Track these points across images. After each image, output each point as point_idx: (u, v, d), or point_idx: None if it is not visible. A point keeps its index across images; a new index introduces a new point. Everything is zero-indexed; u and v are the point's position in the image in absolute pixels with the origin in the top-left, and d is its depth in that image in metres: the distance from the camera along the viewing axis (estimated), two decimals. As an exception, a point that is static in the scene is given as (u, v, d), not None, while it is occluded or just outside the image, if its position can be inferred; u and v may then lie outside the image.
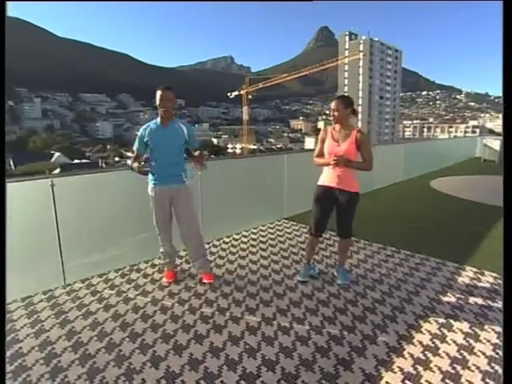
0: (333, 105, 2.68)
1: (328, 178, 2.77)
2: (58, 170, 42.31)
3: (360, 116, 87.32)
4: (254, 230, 4.30)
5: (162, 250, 2.94)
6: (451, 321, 2.31)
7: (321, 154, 2.81)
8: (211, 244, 3.79)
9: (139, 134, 2.79)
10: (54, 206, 2.79)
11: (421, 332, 2.19)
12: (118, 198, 3.28)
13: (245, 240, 3.97)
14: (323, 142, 2.79)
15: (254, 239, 4.00)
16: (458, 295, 2.67)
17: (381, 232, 4.21)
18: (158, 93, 2.64)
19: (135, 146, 2.81)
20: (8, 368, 1.89)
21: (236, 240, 3.97)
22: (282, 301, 2.61)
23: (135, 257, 3.33)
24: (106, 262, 3.16)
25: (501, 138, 12.03)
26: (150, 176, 2.79)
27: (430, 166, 9.12)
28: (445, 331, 2.20)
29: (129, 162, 2.82)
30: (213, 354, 2.00)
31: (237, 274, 3.07)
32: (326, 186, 2.78)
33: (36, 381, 1.80)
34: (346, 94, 2.91)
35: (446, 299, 2.61)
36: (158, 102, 2.66)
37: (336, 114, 2.67)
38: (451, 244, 3.83)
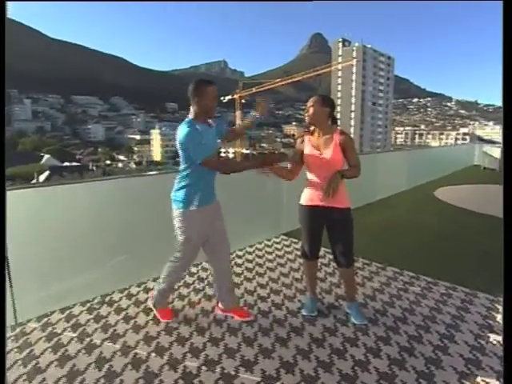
0: (308, 101, 2.23)
1: (312, 194, 2.29)
2: (46, 173, 41.28)
3: (352, 122, 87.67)
4: (250, 249, 3.76)
5: (170, 279, 2.34)
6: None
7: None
8: (200, 267, 3.25)
9: (196, 137, 2.04)
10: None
11: (470, 401, 1.69)
12: (86, 214, 2.72)
13: (239, 262, 3.43)
14: (302, 152, 2.32)
15: (250, 261, 3.47)
16: (499, 338, 2.17)
17: (392, 252, 3.72)
18: (210, 88, 2.10)
19: (202, 155, 2.05)
20: None
21: (229, 261, 3.43)
22: (287, 349, 2.08)
23: (107, 286, 2.78)
24: (70, 292, 2.60)
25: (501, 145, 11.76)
26: (194, 194, 2.16)
27: (430, 174, 8.72)
28: (500, 399, 1.70)
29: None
30: None
31: (230, 309, 2.53)
32: (310, 205, 2.30)
33: None
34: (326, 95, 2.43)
35: (489, 348, 2.11)
36: (208, 99, 2.11)
37: (311, 110, 2.20)
38: (479, 269, 3.33)
